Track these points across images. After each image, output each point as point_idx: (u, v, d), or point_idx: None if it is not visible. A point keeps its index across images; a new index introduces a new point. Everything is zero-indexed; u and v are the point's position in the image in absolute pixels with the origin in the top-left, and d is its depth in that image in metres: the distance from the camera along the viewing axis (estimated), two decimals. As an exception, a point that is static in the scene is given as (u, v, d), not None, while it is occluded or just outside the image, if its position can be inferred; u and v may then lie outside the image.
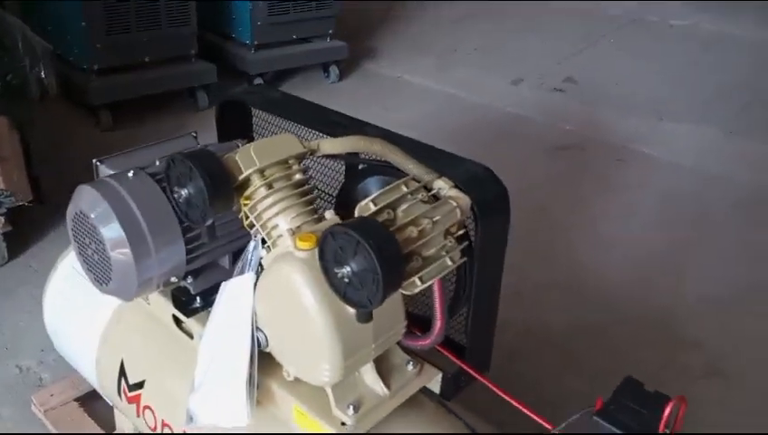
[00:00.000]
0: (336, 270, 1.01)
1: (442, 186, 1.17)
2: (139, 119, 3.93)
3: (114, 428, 1.84)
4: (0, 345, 2.28)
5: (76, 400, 1.97)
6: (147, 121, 3.93)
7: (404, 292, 1.07)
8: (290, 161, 1.26)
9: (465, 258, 1.16)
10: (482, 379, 1.30)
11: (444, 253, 1.10)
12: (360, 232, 0.96)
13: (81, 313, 1.71)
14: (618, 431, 0.95)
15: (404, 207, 1.09)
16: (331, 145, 1.29)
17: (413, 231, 1.04)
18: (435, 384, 1.37)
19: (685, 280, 2.78)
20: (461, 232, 1.15)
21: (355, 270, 0.99)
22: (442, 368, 1.34)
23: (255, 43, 4.30)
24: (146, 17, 3.74)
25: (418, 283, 1.06)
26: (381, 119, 1.44)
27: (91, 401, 1.96)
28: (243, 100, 1.59)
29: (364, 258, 0.97)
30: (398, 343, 1.31)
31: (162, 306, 1.50)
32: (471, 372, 1.32)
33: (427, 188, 1.19)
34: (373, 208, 1.06)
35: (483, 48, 5.46)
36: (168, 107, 4.07)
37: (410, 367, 1.32)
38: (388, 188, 1.11)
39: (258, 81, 4.38)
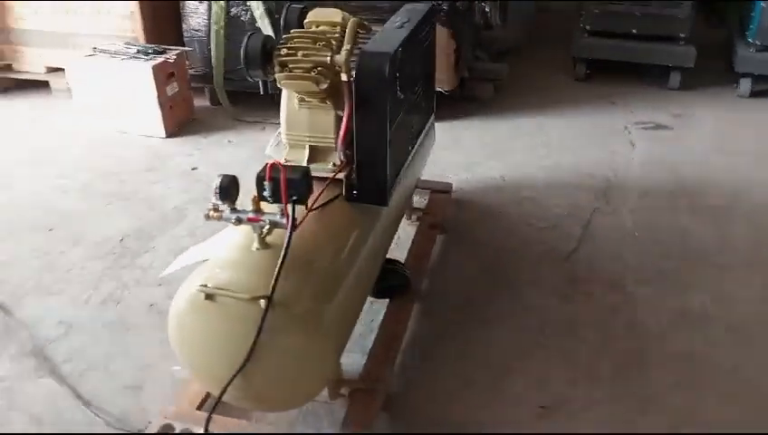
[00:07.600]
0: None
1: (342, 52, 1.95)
2: (608, 80, 4.64)
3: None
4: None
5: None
6: (619, 82, 4.62)
7: (286, 80, 1.93)
8: (336, 27, 2.18)
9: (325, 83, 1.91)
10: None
11: (309, 74, 1.91)
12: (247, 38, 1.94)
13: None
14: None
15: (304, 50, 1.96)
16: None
17: (290, 53, 1.93)
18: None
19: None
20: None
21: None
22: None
23: (758, 42, 4.26)
24: (641, -6, 4.37)
25: (285, 80, 1.93)
26: None
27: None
28: None
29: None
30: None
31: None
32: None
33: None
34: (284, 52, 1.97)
35: None
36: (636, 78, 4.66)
37: (331, 165, 2.12)
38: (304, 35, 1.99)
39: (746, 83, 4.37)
